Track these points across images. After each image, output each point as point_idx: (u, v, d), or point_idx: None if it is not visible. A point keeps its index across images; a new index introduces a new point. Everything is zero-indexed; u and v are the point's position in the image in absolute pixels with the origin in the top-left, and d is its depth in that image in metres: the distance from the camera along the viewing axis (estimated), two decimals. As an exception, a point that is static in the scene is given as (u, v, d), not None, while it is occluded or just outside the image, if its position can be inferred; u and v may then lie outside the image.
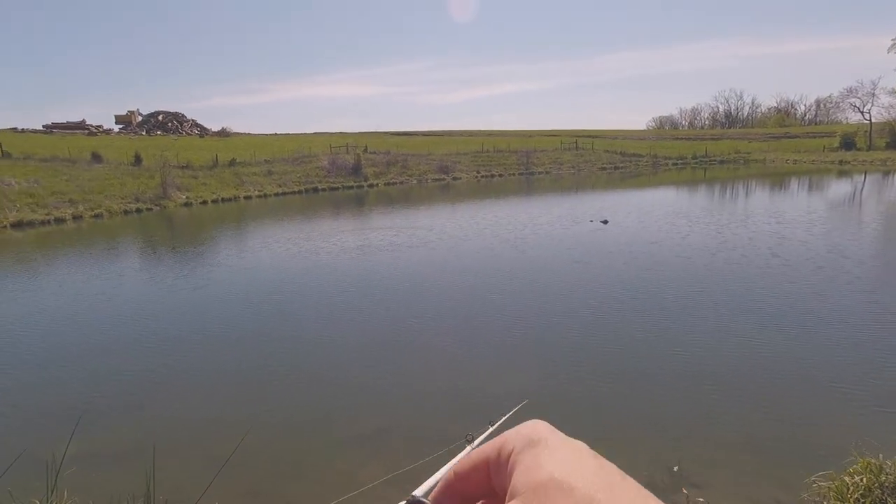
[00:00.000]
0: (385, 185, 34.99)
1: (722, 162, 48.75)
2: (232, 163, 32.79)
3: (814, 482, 3.54)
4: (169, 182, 26.40)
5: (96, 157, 29.29)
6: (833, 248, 11.75)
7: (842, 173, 35.21)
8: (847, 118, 61.94)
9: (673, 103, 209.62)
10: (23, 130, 46.43)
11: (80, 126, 50.16)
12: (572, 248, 12.82)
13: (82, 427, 4.82)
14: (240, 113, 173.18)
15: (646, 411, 5.08)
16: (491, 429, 2.40)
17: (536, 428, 0.33)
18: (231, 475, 4.06)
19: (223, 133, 57.98)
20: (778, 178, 33.16)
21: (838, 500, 3.23)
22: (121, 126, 55.67)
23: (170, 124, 56.61)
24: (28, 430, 5.11)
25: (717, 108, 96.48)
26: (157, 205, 24.78)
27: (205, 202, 26.64)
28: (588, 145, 51.41)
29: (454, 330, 7.50)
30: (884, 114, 51.57)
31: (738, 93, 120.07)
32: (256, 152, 36.03)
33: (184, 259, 13.57)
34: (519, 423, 0.32)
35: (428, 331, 7.52)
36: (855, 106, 52.84)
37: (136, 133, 51.64)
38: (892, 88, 50.21)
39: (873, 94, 50.63)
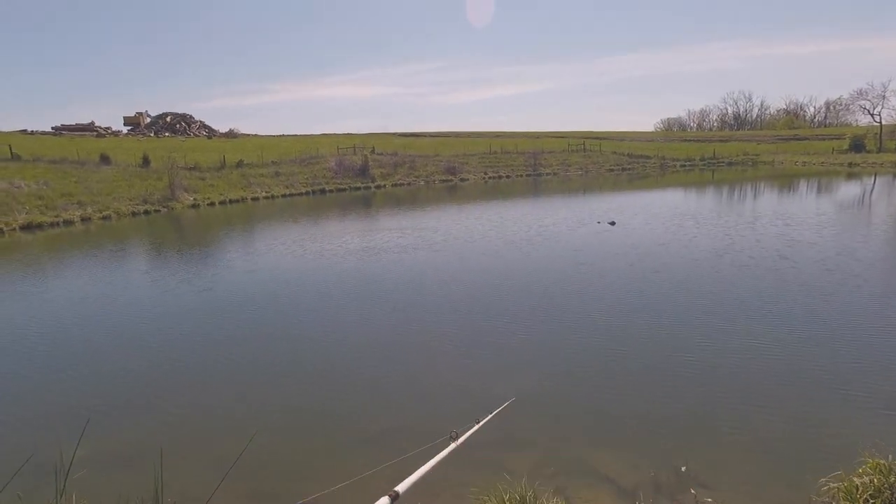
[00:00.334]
0: (392, 186, 35.07)
1: (730, 164, 48.41)
2: (239, 164, 33.02)
3: (823, 483, 3.51)
4: (177, 183, 26.62)
5: (105, 159, 29.60)
6: (843, 250, 11.64)
7: (851, 175, 34.86)
8: (857, 120, 61.41)
9: (681, 105, 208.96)
10: (32, 132, 47.01)
11: (89, 128, 50.73)
12: (579, 249, 12.79)
13: (91, 429, 4.87)
14: (248, 114, 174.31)
15: (653, 412, 5.06)
16: (476, 426, 2.41)
17: None
18: (238, 476, 4.09)
19: (231, 134, 58.45)
20: (786, 180, 32.89)
21: (848, 500, 3.21)
22: (129, 127, 56.23)
23: (178, 126, 57.12)
24: (37, 433, 5.15)
25: (726, 109, 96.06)
26: (164, 206, 25.00)
27: (212, 204, 26.84)
28: (596, 147, 51.28)
29: (457, 332, 7.52)
30: (894, 116, 51.07)
31: (747, 94, 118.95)
32: (264, 153, 36.26)
33: (190, 261, 13.68)
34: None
35: (431, 332, 7.54)
36: (865, 108, 52.25)
37: (144, 135, 52.13)
38: (904, 90, 49.57)
39: (883, 97, 50.10)
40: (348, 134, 61.92)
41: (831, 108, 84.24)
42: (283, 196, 30.25)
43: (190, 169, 30.33)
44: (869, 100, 51.16)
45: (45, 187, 23.43)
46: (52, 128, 50.41)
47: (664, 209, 19.89)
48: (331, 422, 5.20)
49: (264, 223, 21.05)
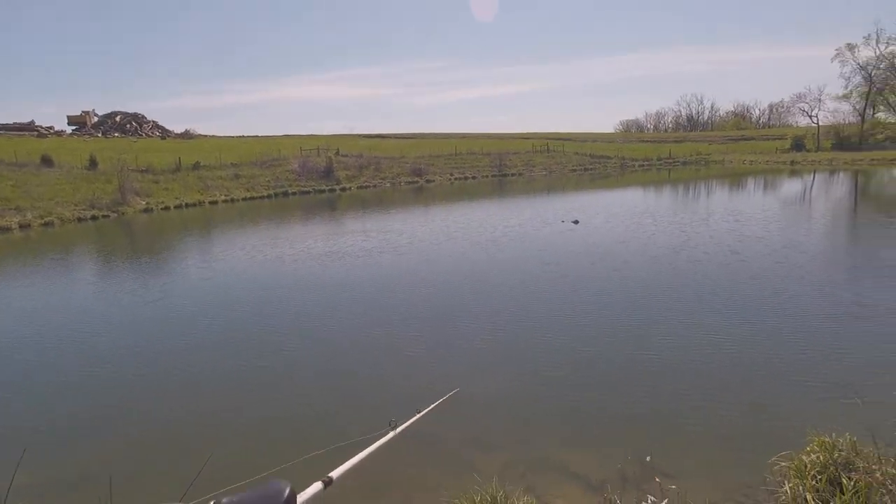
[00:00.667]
0: (358, 188, 34.64)
1: (685, 163, 50.54)
2: (196, 166, 31.79)
3: (775, 463, 3.70)
4: (127, 187, 25.34)
5: (46, 161, 27.84)
6: (788, 243, 12.35)
7: (793, 173, 37.13)
8: (797, 122, 65.62)
9: (639, 107, 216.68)
10: (-35, 133, 43.68)
11: (29, 127, 47.51)
12: (543, 249, 13.00)
13: (32, 456, 4.50)
14: (205, 115, 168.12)
15: (619, 407, 5.19)
16: (417, 416, 2.42)
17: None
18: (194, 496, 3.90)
19: (187, 135, 56.18)
20: (736, 178, 34.62)
21: (798, 477, 3.40)
22: (74, 127, 52.96)
23: (128, 125, 54.36)
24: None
25: (680, 112, 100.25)
26: (114, 211, 23.73)
27: (167, 208, 25.70)
28: (559, 148, 52.41)
29: (422, 335, 7.48)
30: (829, 118, 54.97)
31: (699, 97, 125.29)
32: (223, 155, 35.05)
33: (141, 269, 13.03)
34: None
35: (395, 336, 7.46)
36: (804, 110, 56.01)
37: (91, 135, 49.35)
38: (837, 95, 53.49)
39: (820, 100, 54.13)
40: (312, 135, 60.73)
41: (774, 110, 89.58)
42: (244, 199, 29.33)
43: (142, 171, 28.97)
44: (807, 102, 54.94)
45: (-22, 192, 21.80)
46: (-13, 128, 46.97)
47: (624, 208, 20.53)
48: (300, 429, 5.05)
49: (223, 228, 20.34)
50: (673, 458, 4.18)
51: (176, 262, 13.87)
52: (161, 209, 25.37)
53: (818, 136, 53.10)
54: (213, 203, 27.62)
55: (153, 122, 57.59)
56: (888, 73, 51.07)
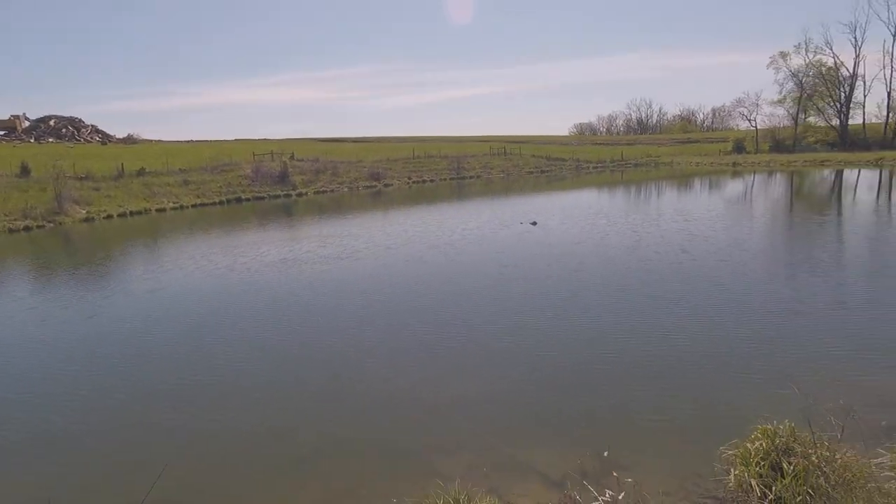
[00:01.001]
0: (315, 193, 33.89)
1: (636, 165, 52.58)
2: (141, 172, 30.17)
3: (722, 451, 3.87)
4: (65, 195, 23.68)
5: (-28, 169, 25.67)
6: (732, 242, 13.04)
7: (735, 174, 39.39)
8: (738, 125, 69.76)
9: (592, 110, 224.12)
10: None
11: (-48, 133, 43.79)
12: (501, 251, 13.13)
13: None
14: (149, 119, 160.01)
15: (577, 404, 5.29)
16: None
17: None
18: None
19: (130, 140, 53.36)
20: (683, 179, 36.35)
21: (743, 464, 3.57)
22: (3, 132, 49.26)
23: (64, 130, 51.07)
24: None
25: (631, 115, 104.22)
26: (50, 221, 22.12)
27: (109, 216, 24.22)
28: (516, 150, 53.31)
29: (380, 341, 7.37)
30: (766, 121, 58.73)
31: (648, 101, 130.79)
32: (170, 161, 33.43)
33: (80, 282, 12.17)
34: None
35: (351, 344, 7.32)
36: (743, 114, 59.58)
37: (22, 140, 46.00)
38: (772, 100, 57.28)
39: (757, 105, 57.56)
40: (265, 139, 59.17)
41: (717, 114, 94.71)
42: (194, 206, 28.06)
43: (81, 178, 27.17)
44: (746, 107, 58.42)
45: None
46: None
47: (579, 209, 21.10)
48: (251, 443, 4.84)
49: (171, 236, 19.37)
50: (630, 452, 4.29)
51: (119, 274, 13.06)
52: (103, 218, 23.88)
53: (757, 139, 56.60)
54: (161, 211, 26.27)
55: (92, 126, 54.40)
56: (816, 80, 55.10)
